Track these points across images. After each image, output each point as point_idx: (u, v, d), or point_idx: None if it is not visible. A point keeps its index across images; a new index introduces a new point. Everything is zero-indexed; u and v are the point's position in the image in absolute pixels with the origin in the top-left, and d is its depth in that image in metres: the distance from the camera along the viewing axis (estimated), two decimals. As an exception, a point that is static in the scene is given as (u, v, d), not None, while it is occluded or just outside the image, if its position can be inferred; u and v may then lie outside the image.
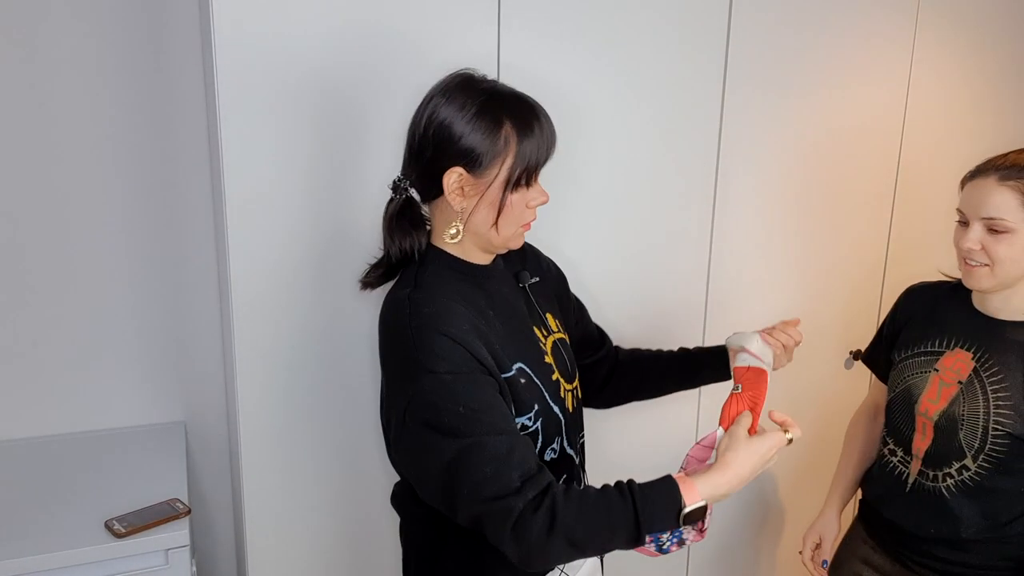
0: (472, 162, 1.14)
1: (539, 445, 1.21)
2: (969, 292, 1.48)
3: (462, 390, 1.07)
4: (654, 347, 1.56)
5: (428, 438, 1.07)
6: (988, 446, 1.36)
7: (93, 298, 1.89)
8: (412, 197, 1.21)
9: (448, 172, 1.14)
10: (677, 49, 1.77)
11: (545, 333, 1.30)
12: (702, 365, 1.48)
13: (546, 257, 1.45)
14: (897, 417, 1.52)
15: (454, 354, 1.09)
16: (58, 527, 1.53)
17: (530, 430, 1.19)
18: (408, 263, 1.22)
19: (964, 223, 1.39)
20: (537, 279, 1.35)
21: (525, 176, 1.16)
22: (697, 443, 1.23)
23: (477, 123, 1.12)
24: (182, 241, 1.93)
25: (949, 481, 1.42)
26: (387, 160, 1.57)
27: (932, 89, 2.12)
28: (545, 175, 1.20)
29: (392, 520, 1.75)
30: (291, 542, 1.67)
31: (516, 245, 1.23)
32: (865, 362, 1.72)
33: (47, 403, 1.90)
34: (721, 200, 1.91)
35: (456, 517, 1.09)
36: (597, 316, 1.55)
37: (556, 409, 1.24)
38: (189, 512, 1.60)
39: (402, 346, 1.11)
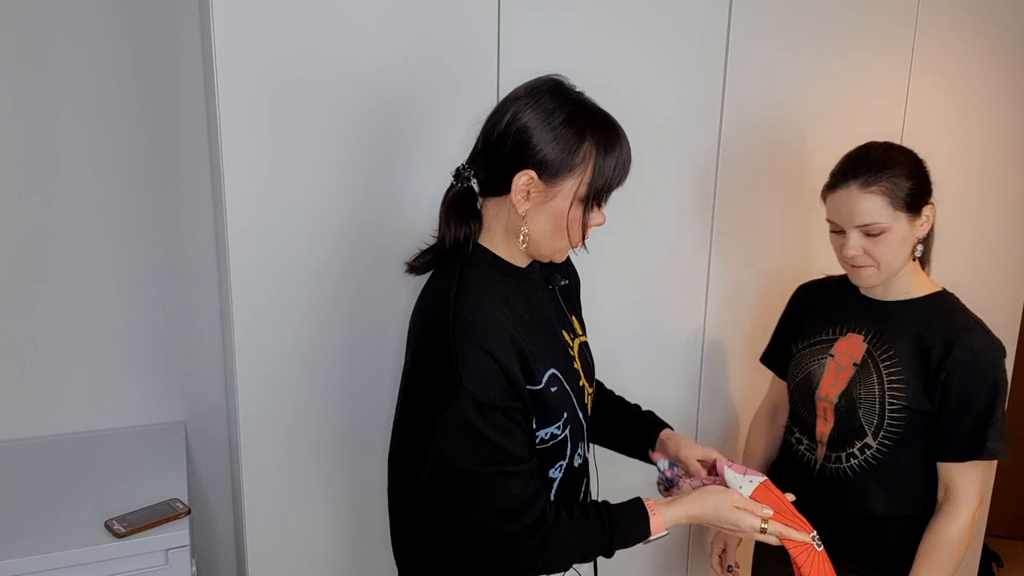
0: (546, 169, 1.13)
1: (568, 452, 1.23)
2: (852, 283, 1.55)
3: (490, 418, 1.10)
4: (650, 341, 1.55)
5: (449, 449, 1.11)
6: (886, 422, 1.42)
7: (93, 298, 1.89)
8: (472, 187, 1.20)
9: (520, 173, 1.13)
10: (676, 54, 1.77)
11: (572, 336, 1.31)
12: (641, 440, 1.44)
13: (573, 268, 1.44)
14: (799, 406, 1.58)
15: (488, 375, 1.10)
16: (58, 527, 1.53)
17: (559, 438, 1.20)
18: (457, 254, 1.21)
19: (839, 231, 1.44)
20: (567, 282, 1.36)
21: (595, 196, 1.16)
22: (729, 464, 1.29)
23: (560, 132, 1.12)
24: (182, 241, 1.93)
25: (853, 461, 1.47)
26: (387, 160, 1.57)
27: (931, 93, 2.12)
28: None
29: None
30: (291, 542, 1.67)
31: (560, 259, 1.24)
32: (764, 362, 1.76)
33: (47, 403, 1.90)
34: (721, 202, 1.91)
35: (447, 516, 1.14)
36: (596, 305, 1.54)
37: (581, 415, 1.26)
38: (189, 512, 1.60)
39: (444, 351, 1.11)
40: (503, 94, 1.62)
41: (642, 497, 1.22)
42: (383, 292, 1.63)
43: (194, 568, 1.65)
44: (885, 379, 1.43)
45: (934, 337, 1.40)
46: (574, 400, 1.23)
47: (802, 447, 1.57)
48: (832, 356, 1.52)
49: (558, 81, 1.17)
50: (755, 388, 2.00)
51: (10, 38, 1.72)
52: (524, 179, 1.13)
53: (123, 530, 1.51)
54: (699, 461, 1.33)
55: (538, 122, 1.12)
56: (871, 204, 1.37)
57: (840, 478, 1.49)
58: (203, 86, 1.87)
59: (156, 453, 1.84)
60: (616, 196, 1.83)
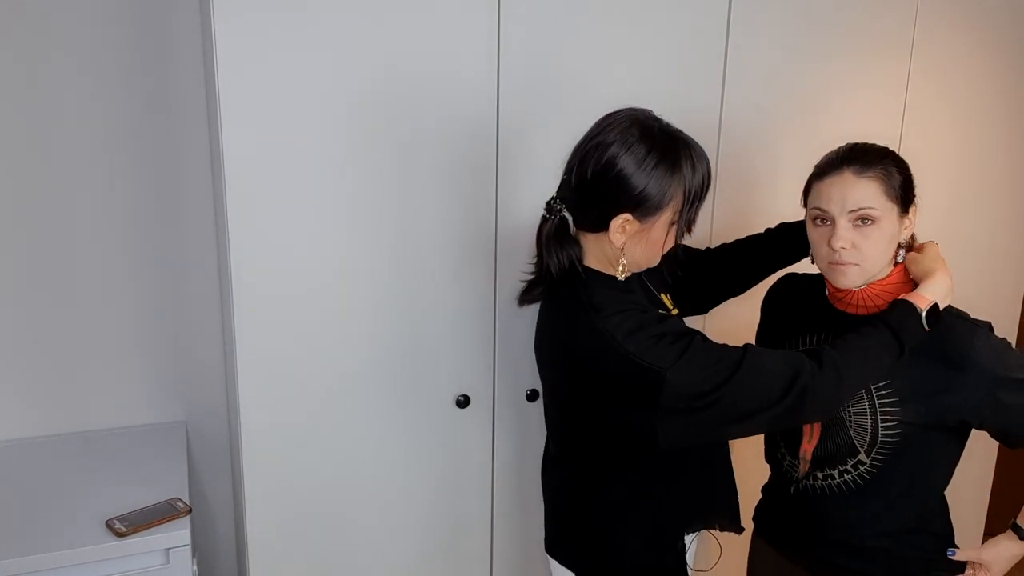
0: (643, 211, 1.22)
1: None
2: (824, 289, 1.47)
3: (696, 358, 1.19)
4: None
5: (702, 416, 1.20)
6: (880, 438, 1.36)
7: (94, 298, 1.89)
8: (565, 217, 1.28)
9: (617, 216, 1.22)
10: (677, 59, 1.77)
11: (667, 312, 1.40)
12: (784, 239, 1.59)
13: None
14: None
15: (664, 337, 1.20)
16: (59, 526, 1.54)
17: None
18: (566, 280, 1.28)
19: (823, 222, 1.36)
20: (677, 271, 1.44)
21: (692, 212, 1.25)
22: None
23: (655, 174, 1.20)
24: (183, 241, 1.93)
25: (847, 477, 1.41)
26: (386, 161, 1.57)
27: (930, 93, 2.12)
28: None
29: (390, 519, 1.76)
30: (291, 541, 1.67)
31: (654, 264, 1.32)
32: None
33: (47, 403, 1.90)
34: (720, 204, 1.91)
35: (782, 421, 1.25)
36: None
37: None
38: (190, 511, 1.60)
39: (627, 370, 1.20)
40: (503, 93, 1.63)
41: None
42: (383, 292, 1.63)
43: (195, 567, 1.65)
44: (876, 398, 1.36)
45: (932, 346, 1.33)
46: None
47: (785, 463, 1.51)
48: None
49: (644, 117, 1.24)
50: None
51: (10, 38, 1.72)
52: (620, 221, 1.22)
53: (124, 529, 1.51)
54: None
55: (634, 168, 1.20)
56: (866, 190, 1.31)
57: (824, 496, 1.43)
58: (204, 86, 1.87)
59: (157, 453, 1.84)
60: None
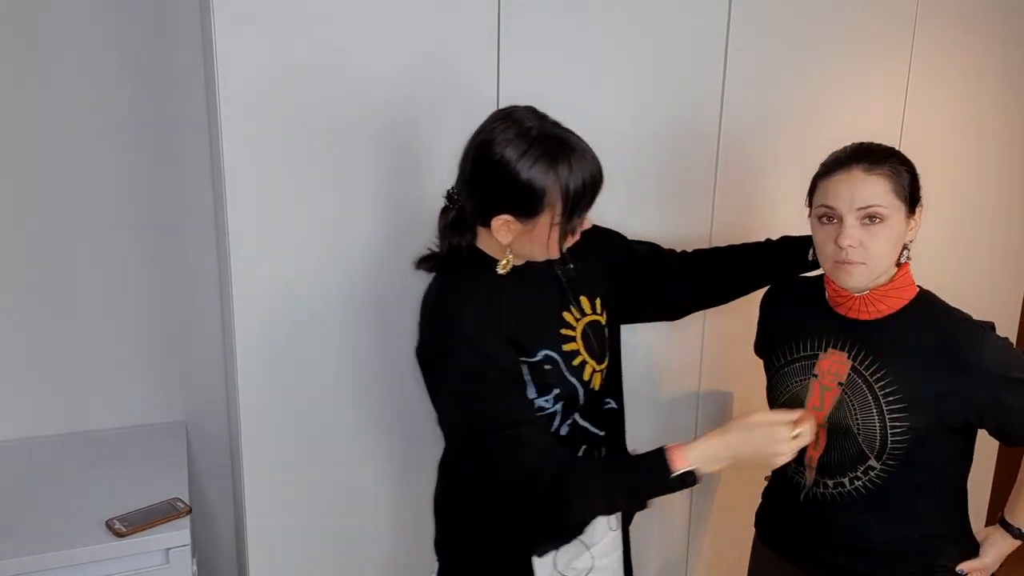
0: (522, 212, 1.21)
1: (556, 422, 1.32)
2: (823, 292, 1.45)
3: (474, 391, 1.22)
4: None
5: (454, 417, 1.28)
6: (890, 444, 1.34)
7: (94, 298, 1.89)
8: (464, 207, 1.27)
9: (497, 217, 1.21)
10: (675, 56, 1.77)
11: (577, 316, 1.36)
12: (778, 252, 1.55)
13: (600, 231, 1.46)
14: None
15: (469, 356, 1.22)
16: (59, 526, 1.54)
17: (548, 411, 1.30)
18: (456, 260, 1.30)
19: (829, 220, 1.34)
20: (572, 266, 1.38)
21: (576, 215, 1.22)
22: None
23: (530, 176, 1.18)
24: (183, 241, 1.93)
25: (857, 484, 1.39)
26: (386, 164, 1.57)
27: (930, 93, 2.12)
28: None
29: (390, 519, 1.76)
30: (291, 541, 1.67)
31: (555, 256, 1.29)
32: (757, 353, 1.68)
33: (47, 403, 1.90)
34: (719, 208, 1.91)
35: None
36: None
37: (580, 391, 1.33)
38: (190, 511, 1.60)
39: (431, 343, 1.27)
40: (502, 94, 1.63)
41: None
42: (382, 293, 1.63)
43: (195, 567, 1.65)
44: (882, 400, 1.34)
45: (938, 350, 1.33)
46: (569, 377, 1.31)
47: (790, 469, 1.48)
48: (816, 376, 1.42)
49: (525, 117, 1.21)
50: (756, 386, 2.00)
51: (11, 39, 1.72)
52: (501, 222, 1.22)
53: (124, 529, 1.51)
54: None
55: (507, 169, 1.18)
56: (875, 187, 1.29)
57: (834, 502, 1.42)
58: (204, 85, 1.87)
59: (157, 453, 1.84)
60: (617, 199, 1.84)
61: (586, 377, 1.34)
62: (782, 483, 1.53)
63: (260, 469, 1.60)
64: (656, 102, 1.79)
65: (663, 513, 2.04)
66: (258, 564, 1.65)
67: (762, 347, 1.61)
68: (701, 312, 1.95)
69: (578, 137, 1.23)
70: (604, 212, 1.78)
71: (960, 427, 1.36)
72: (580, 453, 1.36)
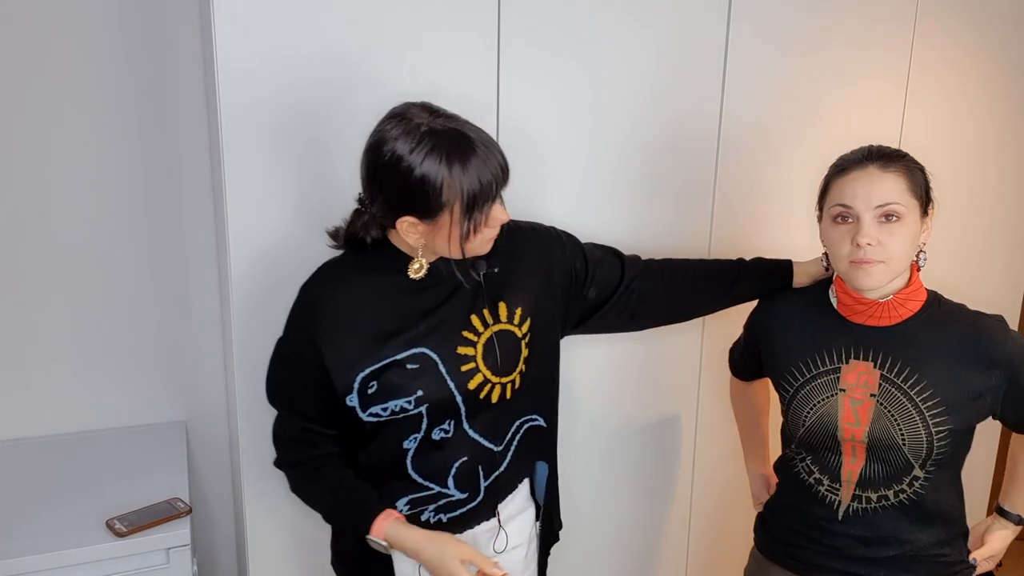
0: (422, 213, 1.18)
1: (424, 425, 1.29)
2: (827, 301, 1.42)
3: (283, 367, 1.33)
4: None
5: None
6: (936, 451, 1.32)
7: (94, 298, 1.89)
8: (374, 212, 1.25)
9: (400, 220, 1.20)
10: (675, 56, 1.77)
11: (484, 324, 1.31)
12: (747, 274, 1.53)
13: (546, 236, 1.41)
14: (819, 448, 1.40)
15: (293, 343, 1.31)
16: (59, 526, 1.54)
17: (410, 412, 1.27)
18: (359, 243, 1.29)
19: (844, 219, 1.31)
20: (496, 269, 1.33)
21: (477, 211, 1.18)
22: None
23: (422, 176, 1.15)
24: (182, 241, 1.93)
25: (902, 496, 1.36)
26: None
27: (930, 93, 2.12)
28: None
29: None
30: (291, 540, 1.67)
31: (483, 252, 1.27)
32: (734, 372, 1.68)
33: (47, 403, 1.90)
34: (719, 207, 1.91)
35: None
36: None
37: (457, 396, 1.29)
38: (190, 511, 1.60)
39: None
40: (502, 95, 1.63)
41: (399, 507, 1.32)
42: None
43: (195, 567, 1.65)
44: (924, 410, 1.31)
45: (967, 349, 1.32)
46: (448, 381, 1.28)
47: (823, 488, 1.42)
48: (843, 390, 1.36)
49: (411, 115, 1.17)
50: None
51: (11, 39, 1.72)
52: (406, 224, 1.20)
53: (124, 529, 1.51)
54: None
55: (398, 167, 1.15)
56: (892, 185, 1.28)
57: (879, 515, 1.38)
58: (203, 85, 1.87)
59: (157, 453, 1.84)
60: (618, 201, 1.84)
61: (471, 386, 1.28)
62: (808, 501, 1.45)
63: (259, 468, 1.60)
64: (655, 108, 1.79)
65: (664, 513, 2.04)
66: (258, 564, 1.65)
67: (768, 368, 1.52)
68: (699, 329, 1.95)
69: (477, 128, 1.18)
70: (605, 217, 1.79)
71: (979, 423, 1.37)
72: (458, 464, 1.31)
